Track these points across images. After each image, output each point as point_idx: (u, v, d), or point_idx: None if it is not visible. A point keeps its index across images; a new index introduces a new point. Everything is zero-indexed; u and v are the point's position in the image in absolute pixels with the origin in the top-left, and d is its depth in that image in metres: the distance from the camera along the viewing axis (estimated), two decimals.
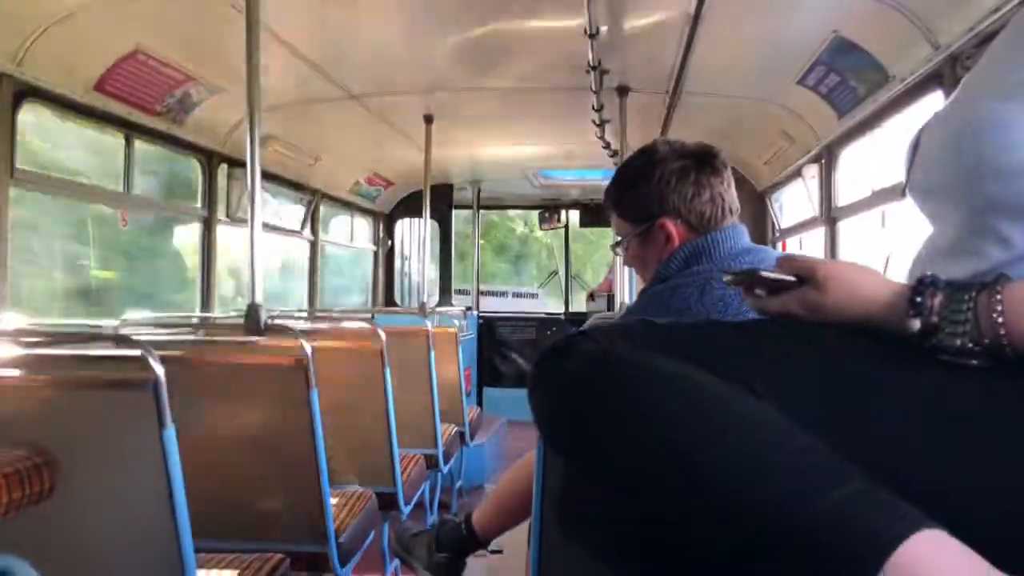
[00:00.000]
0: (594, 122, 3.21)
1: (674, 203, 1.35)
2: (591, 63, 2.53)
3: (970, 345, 0.62)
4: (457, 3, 2.33)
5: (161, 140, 2.80)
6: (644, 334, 0.72)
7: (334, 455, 1.92)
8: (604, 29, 2.31)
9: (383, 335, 2.49)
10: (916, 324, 0.64)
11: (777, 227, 4.06)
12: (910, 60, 2.15)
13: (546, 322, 6.06)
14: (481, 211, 6.00)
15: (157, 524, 1.33)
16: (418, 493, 2.79)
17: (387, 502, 2.45)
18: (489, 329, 5.95)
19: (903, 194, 0.82)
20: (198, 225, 3.18)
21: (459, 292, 6.07)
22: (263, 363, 1.87)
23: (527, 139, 4.17)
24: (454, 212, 5.64)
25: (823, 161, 3.12)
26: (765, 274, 0.75)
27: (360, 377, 2.47)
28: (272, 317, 1.96)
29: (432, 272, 5.44)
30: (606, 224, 5.16)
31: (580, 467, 0.73)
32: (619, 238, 1.46)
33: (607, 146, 3.57)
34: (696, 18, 2.23)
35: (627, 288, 3.77)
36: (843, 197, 3.06)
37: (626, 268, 3.54)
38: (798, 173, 3.38)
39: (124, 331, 2.15)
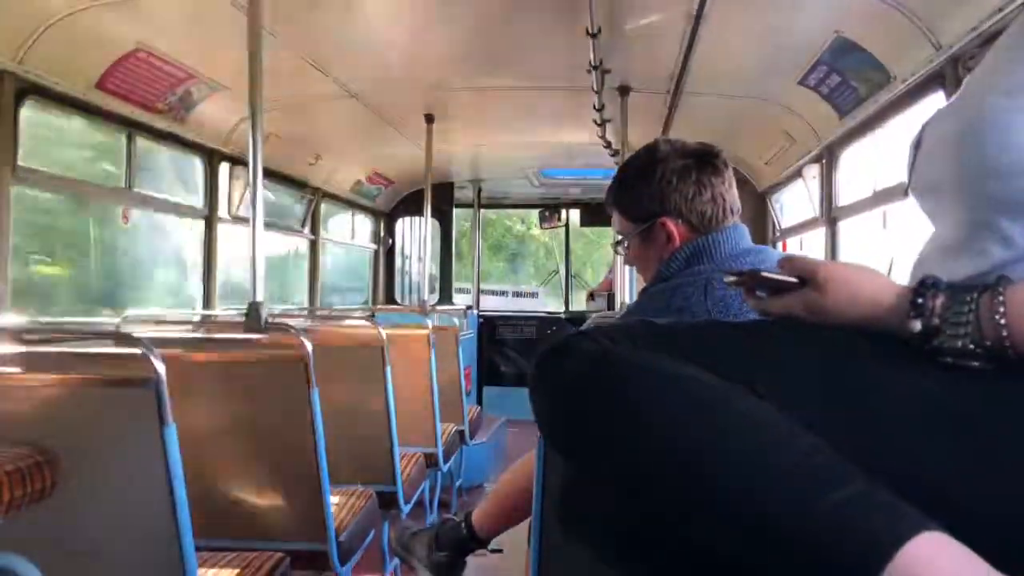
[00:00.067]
0: (595, 121, 3.21)
1: (675, 202, 1.35)
2: (592, 63, 2.53)
3: (972, 347, 0.61)
4: (458, 2, 2.33)
5: (162, 138, 2.81)
6: (645, 334, 0.72)
7: (334, 453, 1.92)
8: (606, 29, 2.31)
9: (383, 333, 2.49)
10: (917, 326, 0.64)
11: (777, 227, 4.06)
12: (911, 60, 2.15)
13: (546, 321, 6.06)
14: (481, 210, 6.01)
15: (158, 522, 1.33)
16: (418, 492, 2.80)
17: (387, 501, 2.46)
18: (489, 328, 5.95)
19: (906, 193, 0.82)
20: (199, 222, 3.19)
21: (459, 291, 6.07)
22: (264, 361, 1.87)
23: (528, 138, 4.17)
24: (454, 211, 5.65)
25: (824, 161, 3.12)
26: (767, 275, 0.75)
27: (360, 375, 2.47)
28: (273, 315, 1.96)
29: (432, 271, 5.45)
30: (606, 223, 5.16)
31: (581, 467, 0.73)
32: (620, 237, 1.46)
33: (608, 145, 3.57)
34: (698, 18, 2.23)
35: (627, 287, 3.78)
36: (844, 197, 3.06)
37: (626, 267, 3.54)
38: (799, 173, 3.38)
39: (125, 329, 2.15)
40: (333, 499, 1.99)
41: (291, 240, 4.35)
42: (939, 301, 0.64)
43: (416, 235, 5.68)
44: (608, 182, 1.49)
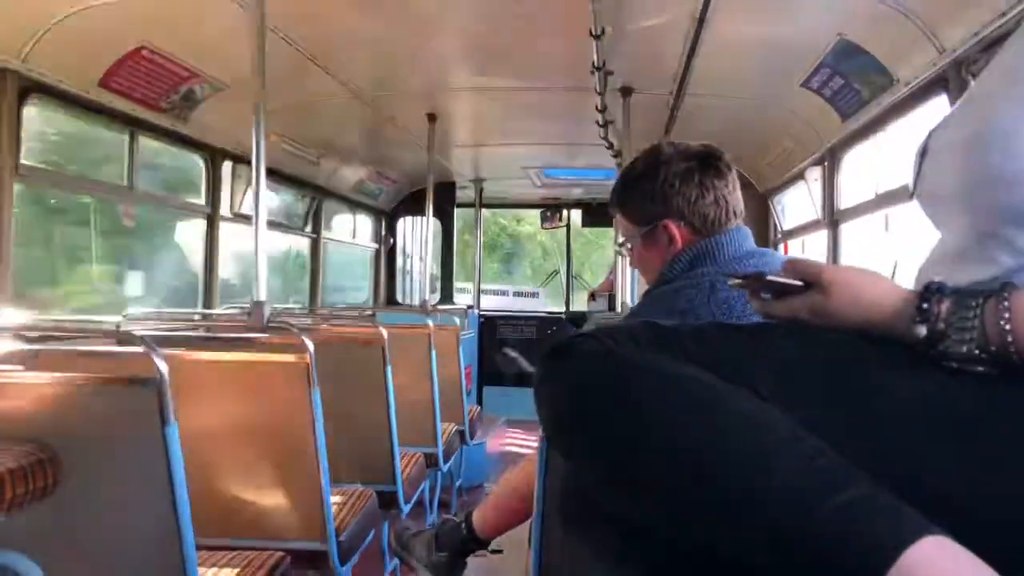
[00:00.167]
0: (597, 123, 3.21)
1: (678, 205, 1.35)
2: (595, 64, 2.53)
3: (977, 352, 0.61)
4: (462, 3, 2.33)
5: (165, 136, 2.81)
6: (648, 335, 0.72)
7: (335, 452, 1.93)
8: (609, 30, 2.31)
9: (385, 333, 2.49)
10: (922, 330, 0.64)
11: (779, 229, 4.06)
12: (914, 64, 2.15)
13: (547, 321, 6.06)
14: (483, 209, 6.01)
15: (159, 520, 1.33)
16: (418, 492, 2.79)
17: (387, 500, 2.45)
18: (490, 328, 5.95)
19: (910, 197, 0.82)
20: (201, 221, 3.19)
21: (460, 290, 6.07)
22: (265, 360, 1.87)
23: (530, 138, 4.17)
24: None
25: (826, 164, 3.12)
26: (771, 278, 0.75)
27: (361, 375, 2.47)
28: (274, 315, 1.96)
29: (434, 270, 5.45)
30: (608, 224, 5.18)
31: (583, 468, 0.73)
32: (624, 239, 1.47)
33: (610, 146, 3.57)
34: (701, 20, 2.23)
35: (628, 288, 3.78)
36: (845, 200, 3.06)
37: (627, 268, 3.54)
38: (801, 175, 3.38)
39: (126, 327, 2.15)
40: (333, 498, 1.99)
41: (291, 239, 4.36)
42: (944, 306, 0.64)
43: (417, 235, 5.68)
44: (610, 183, 1.49)
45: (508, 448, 4.85)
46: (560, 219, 6.17)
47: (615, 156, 3.66)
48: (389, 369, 2.47)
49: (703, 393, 0.64)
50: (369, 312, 4.30)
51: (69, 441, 1.30)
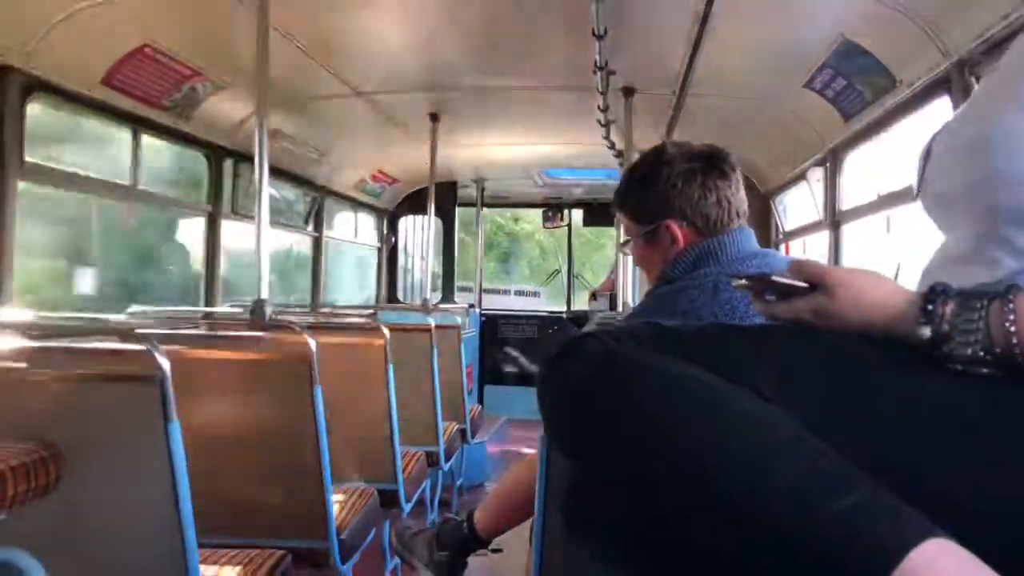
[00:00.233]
0: (599, 122, 3.20)
1: (680, 205, 1.36)
2: (598, 63, 2.53)
3: (981, 354, 0.62)
4: (465, 3, 2.33)
5: (168, 134, 2.81)
6: (651, 336, 0.72)
7: (336, 451, 1.93)
8: (611, 30, 2.31)
9: (386, 331, 2.49)
10: (927, 332, 0.64)
11: (781, 230, 4.05)
12: (917, 65, 2.15)
13: (548, 321, 6.06)
14: (484, 209, 6.01)
15: (161, 518, 1.33)
16: (419, 490, 2.80)
17: (388, 499, 2.45)
18: (491, 327, 5.95)
19: (913, 198, 0.82)
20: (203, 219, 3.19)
21: (461, 289, 6.07)
22: (267, 358, 1.88)
23: (532, 138, 4.17)
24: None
25: (828, 165, 3.12)
26: (776, 279, 0.75)
27: (363, 373, 2.47)
28: (276, 312, 1.96)
29: (435, 269, 5.45)
30: (609, 223, 5.18)
31: (587, 468, 0.73)
32: (627, 238, 1.47)
33: (612, 146, 3.57)
34: (704, 20, 2.23)
35: (630, 288, 3.78)
36: (848, 201, 3.06)
37: (629, 268, 3.54)
38: (803, 176, 3.38)
39: (129, 325, 2.15)
40: (335, 497, 1.99)
41: (292, 237, 4.36)
42: (949, 308, 0.64)
43: (419, 234, 5.68)
44: (611, 183, 1.50)
45: (509, 447, 4.85)
46: (561, 219, 6.18)
47: (617, 156, 3.66)
48: (391, 368, 2.47)
49: (705, 393, 0.64)
50: (370, 311, 4.30)
51: (71, 438, 1.30)
